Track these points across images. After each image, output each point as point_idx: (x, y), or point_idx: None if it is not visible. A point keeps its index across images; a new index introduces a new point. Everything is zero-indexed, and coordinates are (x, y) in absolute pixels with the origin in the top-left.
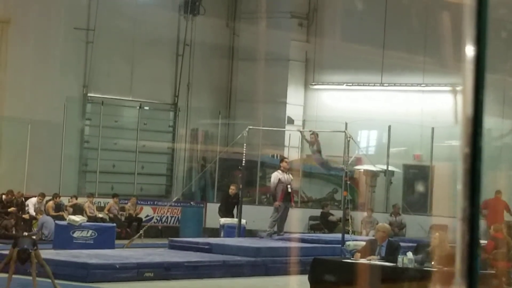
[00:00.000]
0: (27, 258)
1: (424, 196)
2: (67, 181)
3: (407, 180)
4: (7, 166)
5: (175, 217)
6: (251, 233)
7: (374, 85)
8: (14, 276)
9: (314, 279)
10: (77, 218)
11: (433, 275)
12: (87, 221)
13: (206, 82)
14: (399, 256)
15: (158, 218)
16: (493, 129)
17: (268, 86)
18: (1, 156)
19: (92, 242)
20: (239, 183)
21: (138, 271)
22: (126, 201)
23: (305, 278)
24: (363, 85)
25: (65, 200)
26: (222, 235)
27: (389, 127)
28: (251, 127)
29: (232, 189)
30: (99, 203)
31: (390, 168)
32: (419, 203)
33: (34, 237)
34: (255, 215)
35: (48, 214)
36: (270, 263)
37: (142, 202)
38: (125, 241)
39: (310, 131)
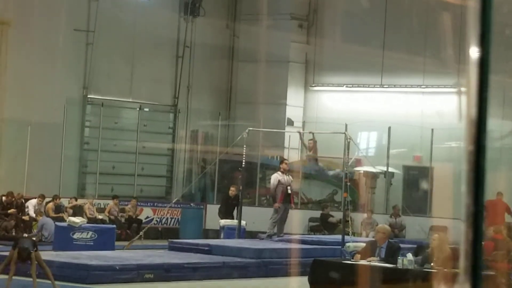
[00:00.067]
0: (28, 257)
1: (424, 198)
2: (67, 182)
3: (407, 181)
4: (7, 167)
5: (175, 218)
6: (251, 235)
7: (374, 87)
8: (14, 277)
9: (314, 280)
10: (77, 220)
11: (433, 276)
12: (87, 223)
13: (206, 84)
14: (399, 257)
15: (158, 220)
16: (493, 131)
17: (268, 87)
18: (1, 157)
19: (92, 243)
20: (239, 185)
21: (138, 273)
22: (126, 203)
23: (305, 279)
24: (363, 87)
25: (65, 202)
26: (222, 236)
27: (389, 128)
28: (251, 128)
29: (232, 191)
30: (99, 205)
31: (390, 169)
32: (419, 205)
33: (34, 238)
34: (255, 217)
35: (48, 216)
36: (270, 265)
37: (142, 204)
38: (125, 243)
39: (310, 132)
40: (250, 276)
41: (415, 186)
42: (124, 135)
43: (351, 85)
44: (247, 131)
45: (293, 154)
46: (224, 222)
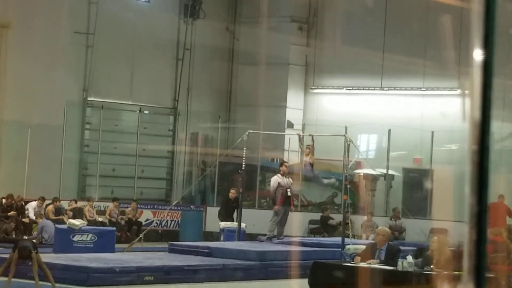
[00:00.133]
0: (28, 255)
1: (424, 200)
2: (67, 185)
3: (407, 183)
4: (7, 169)
5: (175, 221)
6: (251, 237)
7: (374, 89)
8: (15, 279)
9: (314, 282)
10: (77, 222)
11: (433, 279)
12: (87, 225)
13: (206, 86)
14: (399, 259)
15: (158, 222)
16: (493, 133)
17: (268, 90)
18: (1, 159)
19: (92, 246)
20: (239, 187)
21: (138, 275)
22: (126, 205)
23: (305, 281)
24: (363, 89)
25: (65, 204)
26: (222, 239)
27: (389, 131)
28: (251, 131)
29: (232, 193)
30: (99, 207)
31: (390, 172)
32: (419, 207)
33: (34, 240)
34: (255, 219)
35: (48, 218)
36: (270, 267)
37: (142, 206)
38: (125, 245)
39: (310, 135)
40: (250, 279)
41: (415, 188)
42: (124, 138)
43: (351, 88)
44: (247, 133)
45: (293, 156)
46: (224, 224)
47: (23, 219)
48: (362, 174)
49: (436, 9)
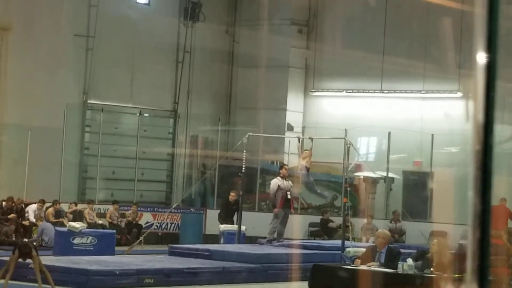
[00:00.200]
0: (29, 253)
1: (424, 203)
2: (67, 187)
3: (407, 186)
4: (7, 172)
5: (175, 223)
6: (251, 240)
7: (374, 92)
8: (15, 282)
9: (314, 285)
10: (77, 225)
11: (433, 282)
12: (87, 228)
13: (206, 89)
14: (399, 262)
15: (158, 225)
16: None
17: (268, 92)
18: (1, 162)
19: (92, 248)
20: (239, 190)
21: (138, 278)
22: (126, 208)
23: (305, 284)
24: (363, 92)
25: (65, 207)
26: (222, 241)
27: (389, 133)
28: (251, 133)
29: (232, 196)
30: (99, 210)
31: (390, 174)
32: (419, 210)
33: (34, 243)
34: (255, 222)
35: (48, 221)
36: (270, 270)
37: (142, 209)
38: (125, 248)
39: (309, 138)
40: (250, 281)
41: (415, 191)
42: (124, 140)
43: (351, 91)
44: (247, 136)
45: (293, 159)
46: (224, 227)
47: (23, 222)
48: (362, 177)
49: (436, 11)
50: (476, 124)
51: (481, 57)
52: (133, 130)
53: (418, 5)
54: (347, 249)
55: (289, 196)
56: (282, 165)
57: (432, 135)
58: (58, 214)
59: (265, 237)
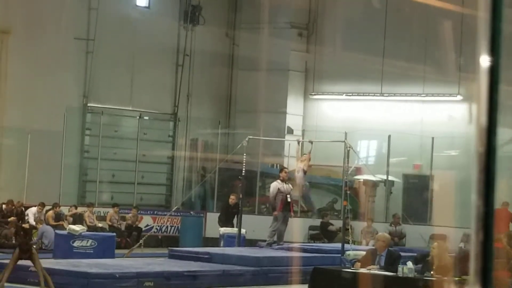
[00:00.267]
0: (29, 249)
1: (424, 206)
2: (67, 190)
3: (407, 189)
4: (7, 175)
5: (175, 226)
6: (251, 243)
7: (374, 95)
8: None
9: None
10: (77, 228)
11: (433, 285)
12: (87, 231)
13: (206, 92)
14: (399, 265)
15: (158, 228)
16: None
17: (268, 95)
18: (1, 165)
19: (92, 251)
20: (239, 193)
21: (138, 281)
22: (126, 211)
23: (305, 287)
24: (363, 95)
25: (65, 210)
26: (222, 244)
27: (389, 137)
28: (250, 136)
29: (232, 199)
30: (99, 213)
31: (390, 178)
32: (419, 213)
33: (34, 246)
34: (255, 225)
35: (48, 224)
36: (270, 273)
37: (142, 212)
38: (125, 251)
39: (309, 141)
40: (250, 284)
41: (415, 194)
42: (124, 144)
43: (351, 94)
44: (247, 139)
45: (293, 162)
46: (224, 230)
47: (23, 225)
48: (362, 180)
49: (436, 15)
50: (479, 126)
51: (484, 60)
52: (133, 133)
53: (418, 8)
54: (347, 252)
55: (289, 199)
56: (282, 168)
57: (432, 138)
58: (58, 217)
59: (265, 240)
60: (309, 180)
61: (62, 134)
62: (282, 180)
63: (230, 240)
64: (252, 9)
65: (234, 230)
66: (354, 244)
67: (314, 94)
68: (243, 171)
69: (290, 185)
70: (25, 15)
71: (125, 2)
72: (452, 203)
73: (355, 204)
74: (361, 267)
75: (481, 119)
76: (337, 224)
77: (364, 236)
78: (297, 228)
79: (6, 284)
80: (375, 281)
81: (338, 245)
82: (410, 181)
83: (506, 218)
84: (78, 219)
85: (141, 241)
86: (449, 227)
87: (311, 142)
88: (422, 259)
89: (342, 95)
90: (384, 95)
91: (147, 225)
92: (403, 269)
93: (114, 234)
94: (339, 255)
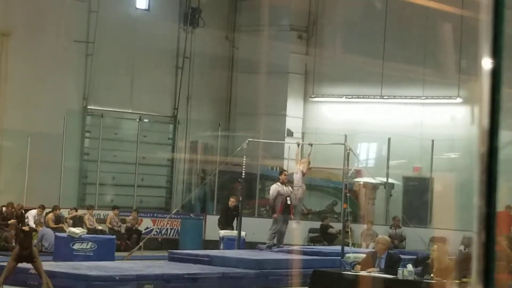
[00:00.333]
0: (29, 245)
1: (424, 208)
2: (67, 193)
3: (406, 192)
4: (7, 178)
5: (175, 229)
6: (251, 245)
7: (373, 98)
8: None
9: None
10: (77, 230)
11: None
12: (87, 233)
13: (205, 95)
14: (399, 268)
15: (158, 230)
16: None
17: (267, 98)
18: (1, 168)
19: (92, 254)
20: (239, 195)
21: (138, 283)
22: (126, 213)
23: None
24: (363, 98)
25: (65, 212)
26: (221, 247)
27: (389, 139)
28: (250, 139)
29: (232, 201)
30: (99, 215)
31: (390, 180)
32: (419, 215)
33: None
34: (255, 227)
35: (48, 226)
36: (270, 276)
37: (141, 214)
38: (125, 253)
39: (309, 144)
40: (250, 287)
41: (415, 197)
42: (124, 146)
43: (350, 96)
44: (246, 142)
45: (292, 165)
46: (223, 232)
47: (23, 228)
48: (362, 182)
49: (436, 17)
50: (481, 127)
51: (487, 62)
52: (133, 136)
53: (418, 11)
54: (347, 255)
55: (288, 202)
56: (281, 171)
57: (432, 140)
58: (58, 219)
59: (265, 243)
60: (309, 182)
61: (62, 137)
62: (282, 183)
63: (230, 243)
64: (252, 11)
65: (234, 232)
66: (354, 246)
67: (314, 97)
68: (243, 174)
69: (290, 188)
70: (25, 17)
71: (125, 4)
72: (452, 205)
73: (355, 207)
74: (361, 269)
75: (483, 120)
76: (337, 226)
77: (364, 238)
78: (297, 230)
79: (5, 287)
80: (375, 284)
81: (338, 248)
82: (410, 183)
83: (508, 222)
84: (78, 221)
85: (141, 244)
86: (449, 229)
87: (311, 145)
88: (422, 262)
89: (342, 97)
90: (384, 97)
91: (147, 228)
92: (403, 271)
93: (114, 236)
94: (339, 257)
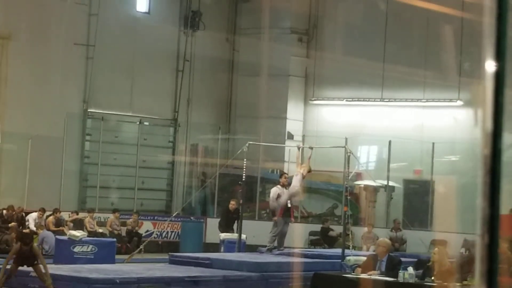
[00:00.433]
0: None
1: (424, 211)
2: (68, 196)
3: (407, 195)
4: (7, 181)
5: (175, 232)
6: (251, 248)
7: (374, 100)
8: None
9: None
10: (78, 233)
11: None
12: (88, 236)
13: (206, 97)
14: (400, 271)
15: (158, 233)
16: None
17: (268, 101)
18: (2, 171)
19: (92, 257)
20: (239, 198)
21: (139, 286)
22: (127, 216)
23: None
24: (363, 100)
25: (65, 215)
26: (222, 250)
27: (389, 142)
28: (251, 142)
29: (232, 204)
30: (99, 218)
31: (391, 183)
32: (419, 218)
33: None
34: (255, 230)
35: (48, 229)
36: (271, 278)
37: (142, 217)
38: (125, 256)
39: (310, 147)
40: None
41: (415, 199)
42: (124, 149)
43: (351, 99)
44: (247, 144)
45: (293, 168)
46: (224, 235)
47: (24, 230)
48: (362, 185)
49: (436, 20)
50: (485, 129)
51: (490, 65)
52: (133, 139)
53: (418, 13)
54: (348, 258)
55: (289, 205)
56: (282, 174)
57: (433, 143)
58: (59, 222)
59: (265, 246)
60: (310, 185)
61: (62, 140)
62: (282, 186)
63: (230, 246)
64: (252, 14)
65: (235, 235)
66: (354, 249)
67: (314, 100)
68: (243, 177)
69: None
70: (26, 21)
71: (126, 7)
72: (453, 208)
73: (355, 210)
74: (362, 272)
75: (487, 122)
76: (337, 229)
77: (365, 241)
78: (298, 233)
79: None
80: (376, 287)
81: (338, 251)
82: (411, 186)
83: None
84: (78, 224)
85: (141, 247)
86: (450, 232)
87: (311, 148)
88: (423, 265)
89: (343, 100)
90: (385, 100)
91: (148, 231)
92: (403, 274)
93: (115, 239)
94: (340, 260)
